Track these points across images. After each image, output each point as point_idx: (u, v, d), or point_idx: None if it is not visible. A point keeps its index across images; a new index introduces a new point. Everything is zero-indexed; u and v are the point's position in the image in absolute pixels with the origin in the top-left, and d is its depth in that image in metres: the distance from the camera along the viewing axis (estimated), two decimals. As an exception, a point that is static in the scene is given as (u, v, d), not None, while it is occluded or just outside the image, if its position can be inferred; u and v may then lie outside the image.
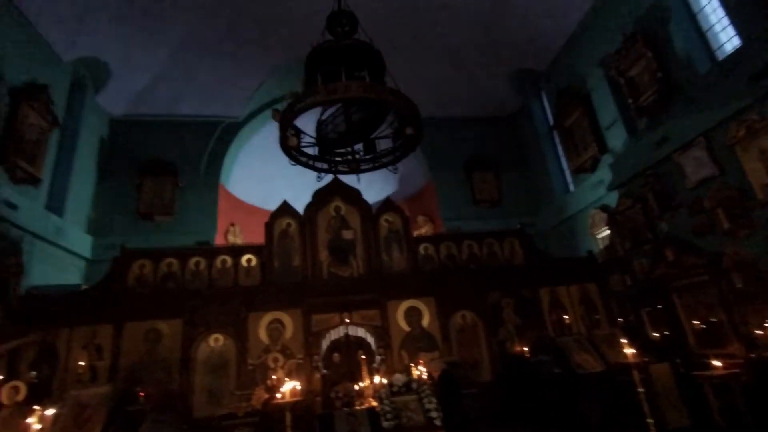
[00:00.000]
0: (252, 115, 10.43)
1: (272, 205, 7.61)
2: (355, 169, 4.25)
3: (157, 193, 9.19)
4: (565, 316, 6.76)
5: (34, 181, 6.93)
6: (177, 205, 9.16)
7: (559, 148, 9.55)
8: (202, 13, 8.76)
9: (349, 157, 4.34)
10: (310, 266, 6.82)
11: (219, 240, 9.43)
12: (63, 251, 7.46)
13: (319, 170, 4.63)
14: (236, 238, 9.75)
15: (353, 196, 7.49)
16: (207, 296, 6.01)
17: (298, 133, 4.25)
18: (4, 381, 4.55)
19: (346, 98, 3.50)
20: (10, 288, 5.72)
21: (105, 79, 8.97)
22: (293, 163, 4.48)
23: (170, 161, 9.47)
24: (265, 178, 11.38)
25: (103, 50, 8.46)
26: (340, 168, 4.76)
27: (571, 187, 9.22)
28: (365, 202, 7.54)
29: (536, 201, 10.33)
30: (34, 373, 5.03)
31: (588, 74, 7.90)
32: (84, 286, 7.18)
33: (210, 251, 6.80)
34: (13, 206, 6.23)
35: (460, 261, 7.42)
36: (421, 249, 7.45)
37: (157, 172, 9.24)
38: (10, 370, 4.93)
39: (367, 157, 4.41)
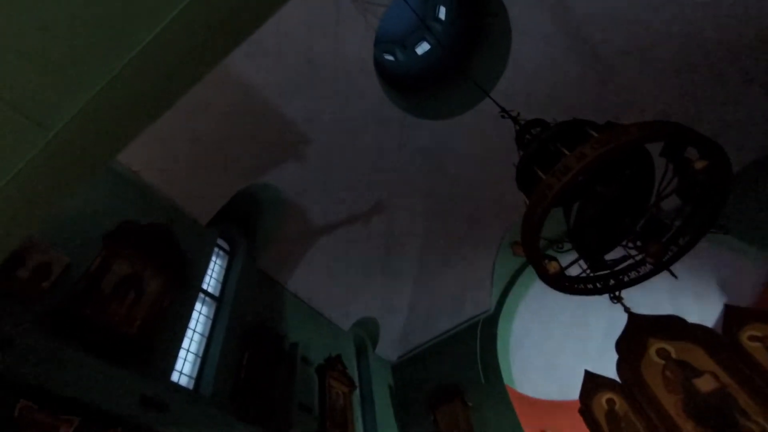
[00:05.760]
0: (501, 301, 9.81)
1: (575, 390, 5.91)
2: (658, 254, 2.77)
3: (453, 424, 8.41)
4: None
5: (352, 448, 7.19)
6: (475, 429, 8.07)
7: None
8: (418, 241, 9.92)
9: (639, 243, 2.97)
10: (683, 455, 4.42)
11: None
12: None
13: (609, 290, 3.28)
14: (557, 449, 7.61)
15: (674, 326, 5.28)
16: None
17: (553, 257, 3.28)
18: None
19: (584, 169, 2.59)
20: None
21: (376, 332, 10.17)
22: (567, 293, 3.33)
23: (451, 383, 9.00)
24: (547, 362, 9.63)
25: (367, 308, 9.91)
26: (632, 275, 3.31)
27: None
28: (700, 327, 5.17)
29: None
30: None
31: None
32: None
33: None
34: (340, 481, 6.32)
35: None
36: None
37: (444, 401, 8.75)
38: None
39: (665, 236, 2.95)
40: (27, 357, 3.61)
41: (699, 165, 2.73)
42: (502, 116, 4.70)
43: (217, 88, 6.45)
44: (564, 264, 3.31)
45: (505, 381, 8.89)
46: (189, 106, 6.19)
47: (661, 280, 4.31)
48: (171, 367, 5.13)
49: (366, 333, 10.08)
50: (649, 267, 3.14)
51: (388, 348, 10.27)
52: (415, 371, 9.89)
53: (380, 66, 8.78)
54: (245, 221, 8.06)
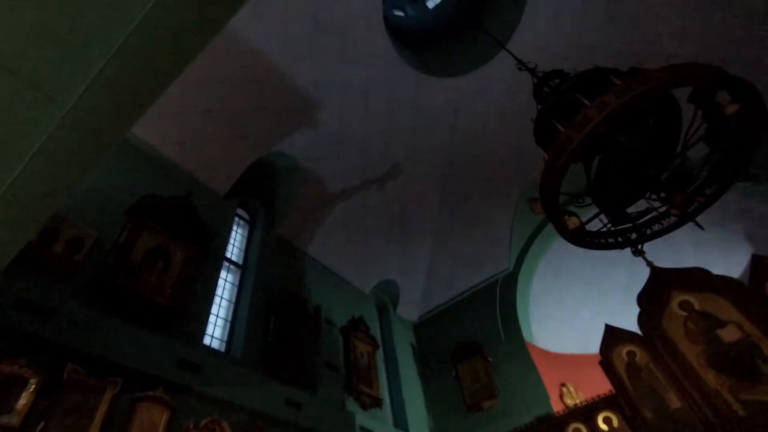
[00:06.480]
0: (521, 259, 9.81)
1: (595, 344, 5.97)
2: (683, 205, 2.68)
3: (474, 378, 8.70)
4: None
5: (378, 402, 7.55)
6: (495, 383, 8.33)
7: None
8: (436, 201, 9.87)
9: (662, 195, 2.88)
10: (701, 401, 4.48)
11: (557, 408, 7.73)
12: (419, 470, 7.28)
13: (631, 243, 3.24)
14: (576, 399, 7.81)
15: (698, 278, 5.20)
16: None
17: (572, 212, 3.23)
18: None
19: (606, 119, 2.49)
20: None
21: (397, 293, 10.38)
22: (587, 248, 3.30)
23: (471, 340, 9.22)
24: (567, 317, 9.71)
25: (387, 271, 10.08)
26: (655, 228, 3.24)
27: None
28: (725, 278, 5.08)
29: None
30: None
31: None
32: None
33: (556, 424, 5.40)
34: (369, 432, 6.70)
35: None
36: None
37: (464, 357, 9.01)
38: None
39: (691, 186, 2.84)
40: (71, 325, 3.85)
41: (730, 109, 2.58)
42: (519, 69, 4.51)
43: (225, 58, 6.34)
44: (584, 219, 3.26)
45: (525, 337, 9.05)
46: (199, 78, 6.13)
47: (685, 232, 4.21)
48: (203, 332, 5.39)
49: (387, 294, 10.31)
50: (672, 219, 3.06)
51: (409, 308, 10.51)
52: (435, 330, 10.15)
53: (390, 23, 8.42)
54: (263, 190, 8.15)
